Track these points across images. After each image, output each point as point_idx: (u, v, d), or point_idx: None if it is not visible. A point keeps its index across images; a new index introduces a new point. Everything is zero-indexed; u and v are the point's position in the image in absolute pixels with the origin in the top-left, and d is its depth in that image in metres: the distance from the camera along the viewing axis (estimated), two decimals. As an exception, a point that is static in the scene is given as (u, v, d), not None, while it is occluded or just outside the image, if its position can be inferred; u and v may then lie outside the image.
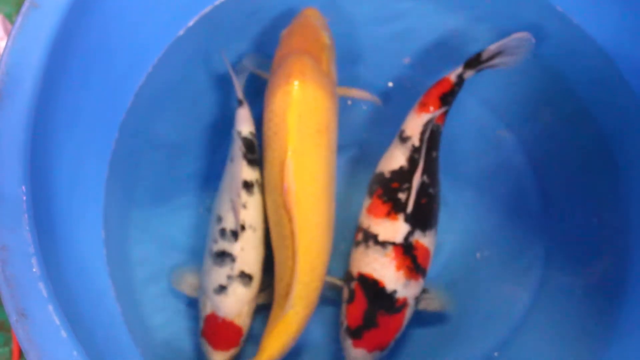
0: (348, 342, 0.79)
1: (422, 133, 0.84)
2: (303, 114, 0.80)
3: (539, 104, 0.96)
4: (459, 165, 0.93)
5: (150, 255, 0.89)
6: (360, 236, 0.83)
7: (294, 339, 0.79)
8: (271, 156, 0.81)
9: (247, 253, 0.82)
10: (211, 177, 0.91)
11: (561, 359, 0.85)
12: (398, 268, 0.79)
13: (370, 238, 0.81)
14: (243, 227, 0.81)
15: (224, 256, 0.81)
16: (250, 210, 0.83)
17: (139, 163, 0.92)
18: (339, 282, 0.84)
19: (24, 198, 0.68)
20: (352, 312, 0.79)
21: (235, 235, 0.81)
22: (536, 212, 0.92)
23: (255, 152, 0.86)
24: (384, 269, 0.79)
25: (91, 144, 0.85)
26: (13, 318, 0.64)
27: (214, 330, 0.81)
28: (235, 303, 0.81)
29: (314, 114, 0.81)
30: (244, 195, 0.82)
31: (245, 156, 0.84)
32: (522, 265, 0.90)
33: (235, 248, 0.81)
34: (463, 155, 0.94)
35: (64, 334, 0.64)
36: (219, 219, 0.83)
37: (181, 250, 0.90)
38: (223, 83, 0.96)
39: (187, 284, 0.86)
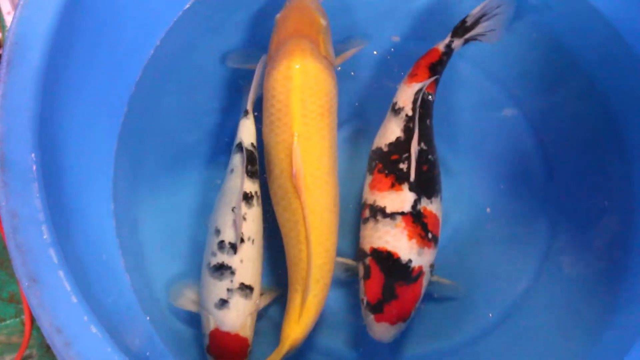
0: (370, 318, 0.79)
1: (414, 102, 0.84)
2: (306, 98, 0.81)
3: (546, 78, 0.96)
4: (465, 138, 0.94)
5: (158, 227, 0.90)
6: (367, 213, 0.83)
7: (314, 322, 0.80)
8: (274, 141, 0.82)
9: (246, 265, 0.81)
10: (219, 149, 0.92)
11: (566, 327, 0.86)
12: (410, 237, 0.79)
13: (378, 212, 0.81)
14: (242, 240, 0.81)
15: (222, 269, 0.80)
16: (249, 222, 0.82)
17: (148, 136, 0.92)
18: (350, 262, 0.85)
19: (34, 167, 0.68)
20: (371, 288, 0.79)
21: (234, 248, 0.81)
22: (541, 184, 0.92)
23: (255, 164, 0.86)
24: (397, 240, 0.79)
25: (100, 116, 0.85)
26: (25, 284, 0.65)
27: (220, 345, 0.80)
28: (238, 316, 0.80)
29: (316, 98, 0.82)
30: (243, 207, 0.82)
31: (245, 169, 0.84)
32: (527, 235, 0.90)
33: (234, 261, 0.81)
34: (469, 128, 0.94)
35: (74, 299, 0.64)
36: (217, 232, 0.82)
37: (188, 222, 0.90)
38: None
39: (186, 299, 0.84)
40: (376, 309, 0.78)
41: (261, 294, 0.84)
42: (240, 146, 0.85)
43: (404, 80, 0.87)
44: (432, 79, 0.85)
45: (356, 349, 0.87)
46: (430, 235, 0.80)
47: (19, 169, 0.68)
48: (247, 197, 0.83)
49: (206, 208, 0.88)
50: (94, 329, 0.63)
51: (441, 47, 0.87)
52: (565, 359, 0.84)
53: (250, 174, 0.84)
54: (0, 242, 0.96)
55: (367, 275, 0.80)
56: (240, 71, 0.94)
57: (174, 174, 0.92)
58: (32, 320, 0.93)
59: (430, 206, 0.81)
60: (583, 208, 0.90)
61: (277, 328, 0.81)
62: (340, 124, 0.89)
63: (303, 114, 0.81)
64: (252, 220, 0.83)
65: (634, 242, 0.87)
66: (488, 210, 0.91)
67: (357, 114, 0.95)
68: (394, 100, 0.86)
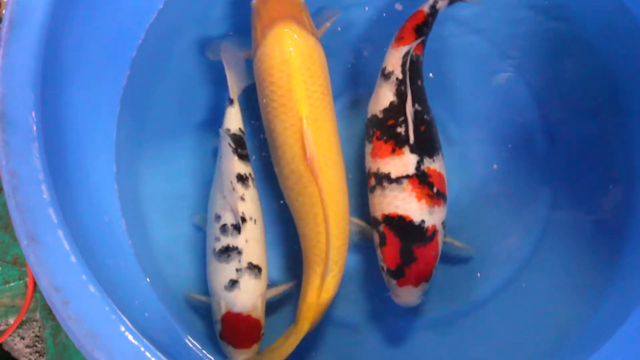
0: (393, 283, 0.79)
1: (403, 65, 0.84)
2: (307, 80, 0.81)
3: (548, 47, 0.95)
4: (467, 107, 0.93)
5: (160, 190, 0.90)
6: (372, 181, 0.83)
7: (330, 302, 0.80)
8: (282, 127, 0.81)
9: (252, 244, 0.81)
10: (222, 113, 0.91)
11: (566, 294, 0.86)
12: (419, 198, 0.79)
13: (383, 179, 0.81)
14: (244, 219, 0.81)
15: (229, 251, 0.80)
16: (249, 203, 0.82)
17: (151, 99, 0.92)
18: (364, 225, 0.85)
19: (34, 127, 0.68)
20: (389, 254, 0.79)
21: (237, 228, 0.80)
22: (543, 152, 0.91)
23: (245, 148, 0.86)
24: (406, 203, 0.79)
25: (102, 78, 0.85)
26: (24, 242, 0.65)
27: (232, 328, 0.80)
28: (249, 296, 0.80)
29: (316, 77, 0.81)
30: (240, 188, 0.82)
31: (235, 151, 0.84)
32: (528, 203, 0.90)
33: (239, 241, 0.80)
34: (471, 97, 0.93)
35: (73, 258, 0.65)
36: (218, 218, 0.82)
37: (190, 185, 0.90)
38: (236, 18, 0.95)
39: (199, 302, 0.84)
40: (397, 274, 0.79)
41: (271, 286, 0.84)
42: (229, 132, 0.85)
43: (391, 45, 0.86)
44: (419, 40, 0.85)
45: (368, 317, 0.88)
46: (438, 193, 0.81)
47: (19, 128, 0.68)
48: (242, 179, 0.83)
49: (208, 172, 0.88)
50: (92, 288, 0.64)
51: (426, 8, 0.87)
52: (566, 325, 0.84)
53: (241, 157, 0.84)
54: (4, 205, 0.96)
55: (383, 242, 0.80)
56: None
57: (177, 138, 0.91)
58: (35, 283, 0.93)
59: (434, 165, 0.81)
60: (584, 176, 0.90)
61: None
62: (336, 96, 0.89)
63: (307, 96, 0.80)
64: (250, 200, 0.83)
65: (635, 211, 0.86)
66: (495, 167, 0.91)
67: (351, 83, 0.95)
68: (383, 65, 0.86)
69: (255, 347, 0.80)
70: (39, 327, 0.98)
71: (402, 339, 0.86)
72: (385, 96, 0.84)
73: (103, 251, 0.75)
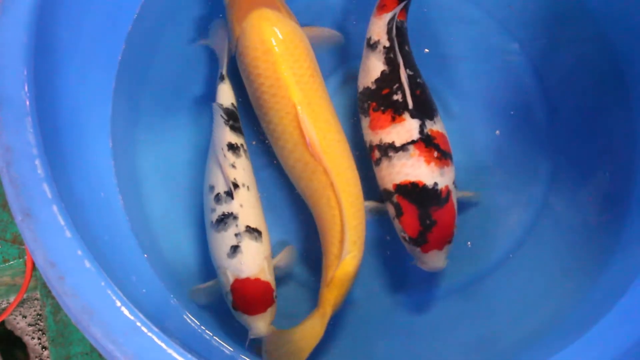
0: (417, 251, 0.79)
1: (389, 32, 0.83)
2: (293, 65, 0.80)
3: (549, 20, 0.94)
4: (467, 81, 0.92)
5: (157, 166, 0.89)
6: (376, 154, 0.82)
7: (352, 283, 0.79)
8: (278, 117, 0.81)
9: (247, 209, 0.80)
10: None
11: (566, 267, 0.86)
12: (428, 162, 0.79)
13: (388, 149, 0.80)
14: (236, 185, 0.80)
15: (225, 218, 0.79)
16: (240, 170, 0.82)
17: (146, 75, 0.91)
18: (376, 204, 0.84)
19: (27, 102, 0.68)
20: (408, 223, 0.79)
21: (230, 194, 0.80)
22: (543, 126, 0.91)
23: (238, 121, 0.85)
24: (416, 169, 0.79)
25: (97, 53, 0.84)
26: (18, 218, 0.65)
27: (243, 295, 0.78)
28: (253, 259, 0.79)
29: (302, 61, 0.81)
30: (231, 157, 0.82)
31: (227, 122, 0.83)
32: (529, 176, 0.90)
33: (234, 206, 0.80)
34: (471, 71, 0.93)
35: (68, 233, 0.64)
36: (211, 188, 0.81)
37: (186, 161, 0.90)
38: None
39: (200, 290, 0.83)
40: (420, 240, 0.78)
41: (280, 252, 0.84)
42: (222, 107, 0.85)
43: (373, 14, 0.86)
44: (402, 5, 0.84)
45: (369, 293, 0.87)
46: (445, 154, 0.80)
47: (13, 103, 0.67)
48: (233, 147, 0.82)
49: (205, 147, 0.87)
50: (87, 264, 0.63)
51: None
52: (565, 298, 0.84)
53: (233, 128, 0.84)
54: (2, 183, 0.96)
55: (400, 212, 0.79)
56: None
57: (173, 113, 0.91)
58: (34, 264, 0.93)
59: (435, 126, 0.81)
60: (584, 150, 0.90)
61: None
62: (328, 75, 0.89)
63: (296, 81, 0.80)
64: (242, 168, 0.82)
65: (635, 184, 0.86)
66: (497, 132, 0.90)
67: (340, 60, 0.94)
68: (367, 35, 0.85)
69: (270, 310, 0.79)
70: (40, 306, 0.98)
71: (404, 313, 0.86)
72: (375, 66, 0.83)
73: (100, 228, 0.75)
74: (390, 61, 0.82)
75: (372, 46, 0.84)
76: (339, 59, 0.94)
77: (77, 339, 0.94)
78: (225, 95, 0.87)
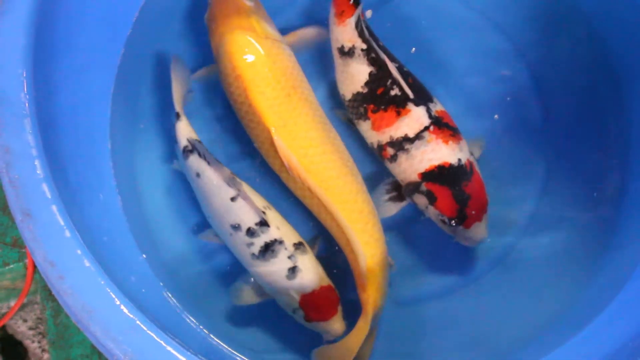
0: (460, 229, 0.80)
1: (361, 34, 0.83)
2: (264, 89, 0.80)
3: (544, 22, 0.94)
4: (462, 82, 0.92)
5: (155, 167, 0.90)
6: (389, 151, 0.82)
7: (385, 280, 0.80)
8: (259, 142, 0.82)
9: (283, 228, 0.80)
10: (217, 91, 0.90)
11: (561, 268, 0.86)
12: (446, 141, 0.80)
13: (403, 142, 0.81)
14: (263, 212, 0.79)
15: (270, 246, 0.78)
16: (252, 196, 0.80)
17: (145, 77, 0.91)
18: (396, 204, 0.84)
19: (27, 103, 0.68)
20: (444, 205, 0.80)
21: (264, 223, 0.79)
22: (538, 127, 0.91)
23: (208, 151, 0.82)
24: (438, 152, 0.80)
25: (97, 55, 0.85)
26: (18, 218, 0.65)
27: (315, 307, 0.79)
28: (312, 271, 0.79)
29: (275, 82, 0.81)
30: (237, 189, 0.79)
31: (207, 159, 0.80)
32: (524, 178, 0.90)
33: (273, 233, 0.79)
34: (466, 72, 0.93)
35: (67, 233, 0.64)
36: (236, 227, 0.79)
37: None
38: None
39: (247, 293, 0.82)
40: (461, 218, 0.80)
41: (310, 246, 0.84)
42: (189, 148, 0.81)
43: (334, 23, 0.85)
44: (360, 6, 0.84)
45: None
46: (455, 130, 0.82)
47: (12, 104, 0.68)
48: (232, 181, 0.80)
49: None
50: (87, 263, 0.63)
51: None
52: (561, 297, 0.84)
53: (215, 163, 0.81)
54: (1, 187, 0.96)
55: (433, 198, 0.80)
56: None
57: (172, 114, 0.91)
58: (34, 267, 0.93)
59: (437, 106, 0.82)
60: (579, 151, 0.90)
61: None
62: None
63: (269, 105, 0.80)
64: (252, 193, 0.81)
65: (628, 184, 0.86)
66: (496, 117, 0.91)
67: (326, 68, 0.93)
68: (337, 45, 0.85)
69: (340, 308, 0.80)
70: (41, 309, 0.98)
71: (400, 313, 0.86)
72: (359, 71, 0.83)
73: (99, 228, 0.76)
74: (375, 61, 0.83)
75: (349, 53, 0.84)
76: (325, 67, 0.93)
77: (77, 342, 0.94)
78: (185, 132, 0.83)
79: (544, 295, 0.85)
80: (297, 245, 0.79)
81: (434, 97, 0.83)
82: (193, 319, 0.82)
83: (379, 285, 0.79)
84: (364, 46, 0.83)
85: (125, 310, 0.62)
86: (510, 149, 0.87)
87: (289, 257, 0.79)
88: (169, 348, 0.61)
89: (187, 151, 0.81)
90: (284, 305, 0.80)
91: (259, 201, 0.81)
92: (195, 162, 0.81)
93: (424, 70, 0.87)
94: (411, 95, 0.81)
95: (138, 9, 0.90)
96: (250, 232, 0.78)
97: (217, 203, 0.80)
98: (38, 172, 0.66)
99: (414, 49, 0.92)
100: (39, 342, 1.03)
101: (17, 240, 0.97)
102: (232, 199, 0.79)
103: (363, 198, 0.82)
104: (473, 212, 0.79)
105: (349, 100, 0.85)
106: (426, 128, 0.80)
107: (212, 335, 0.81)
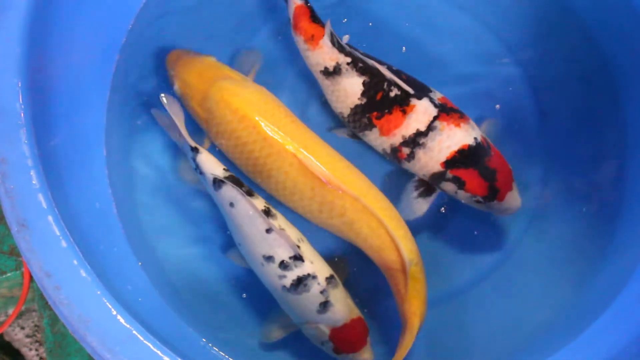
0: (495, 204, 0.81)
1: (341, 50, 0.83)
2: (272, 119, 0.81)
3: (539, 25, 0.94)
4: (458, 86, 0.92)
5: (152, 175, 0.89)
6: (405, 151, 0.82)
7: (426, 288, 0.80)
8: (283, 174, 0.81)
9: (316, 263, 0.79)
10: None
11: (560, 269, 0.86)
12: (457, 124, 0.81)
13: (417, 137, 0.81)
14: (298, 246, 0.78)
15: (303, 280, 0.77)
16: (287, 228, 0.80)
17: (140, 85, 0.91)
18: (426, 199, 0.85)
19: (22, 113, 0.68)
20: (474, 186, 0.80)
21: (298, 258, 0.78)
22: (534, 130, 0.91)
23: (244, 183, 0.81)
24: (453, 137, 0.80)
25: (92, 63, 0.85)
26: (14, 229, 0.65)
27: (346, 340, 0.79)
28: (343, 305, 0.79)
29: (276, 111, 0.82)
30: (274, 222, 0.78)
31: (241, 190, 0.78)
32: (521, 181, 0.88)
33: (307, 267, 0.78)
34: (462, 75, 0.92)
35: (64, 243, 0.64)
36: (269, 259, 0.78)
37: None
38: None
39: (278, 330, 0.82)
40: (493, 193, 0.80)
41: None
42: (220, 178, 0.79)
43: (307, 50, 0.85)
44: (328, 22, 0.83)
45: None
46: (460, 111, 0.82)
47: (7, 114, 0.68)
48: (267, 213, 0.79)
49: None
50: (83, 273, 0.64)
51: (297, 0, 0.85)
52: (558, 303, 0.84)
53: (249, 193, 0.79)
54: None
55: (460, 183, 0.81)
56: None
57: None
58: (31, 276, 0.93)
59: (437, 94, 0.83)
60: (576, 154, 0.90)
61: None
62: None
63: (285, 132, 0.80)
64: (287, 226, 0.80)
65: (626, 188, 0.86)
66: (497, 107, 0.91)
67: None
68: (319, 69, 0.84)
69: (368, 339, 0.80)
70: (38, 317, 0.98)
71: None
72: (352, 84, 0.83)
73: (95, 237, 0.76)
74: (364, 70, 0.82)
75: (335, 72, 0.84)
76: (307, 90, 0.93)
77: (74, 350, 0.94)
78: (212, 164, 0.81)
79: (542, 300, 0.85)
80: (329, 279, 0.79)
81: (430, 87, 0.84)
82: (191, 328, 0.82)
83: (423, 295, 0.79)
84: (348, 59, 0.83)
85: (122, 321, 0.62)
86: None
87: (321, 292, 0.78)
88: (166, 358, 0.61)
89: (217, 182, 0.79)
90: (312, 337, 0.80)
91: (294, 233, 0.80)
92: (228, 192, 0.79)
93: (419, 74, 0.86)
94: (411, 90, 0.81)
95: (133, 17, 0.90)
96: (283, 265, 0.77)
97: (251, 233, 0.78)
98: (34, 182, 0.66)
99: (404, 48, 0.92)
100: (36, 350, 1.03)
101: (15, 249, 0.97)
102: (267, 231, 0.77)
103: (393, 206, 0.83)
104: (503, 184, 0.80)
105: (349, 116, 0.85)
106: (435, 117, 0.80)
107: (210, 344, 0.81)
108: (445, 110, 0.81)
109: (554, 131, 0.91)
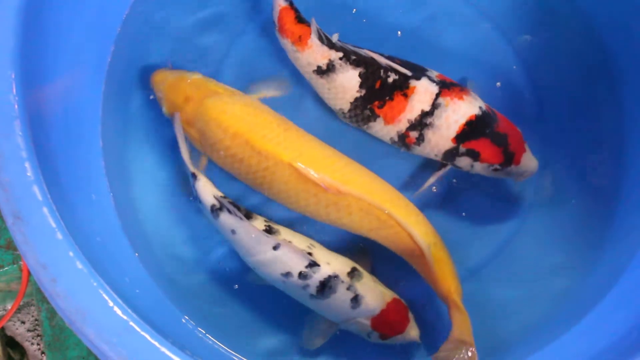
0: (512, 168, 0.81)
1: (331, 46, 0.82)
2: (264, 132, 0.80)
3: (537, 14, 0.94)
4: (455, 76, 0.90)
5: (148, 166, 0.89)
6: (413, 134, 0.82)
7: (452, 265, 0.81)
8: (282, 185, 0.80)
9: (333, 262, 0.79)
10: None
11: (557, 260, 0.86)
12: (460, 97, 0.80)
13: (423, 118, 0.81)
14: (310, 253, 0.78)
15: (327, 283, 0.77)
16: (293, 238, 0.80)
17: (136, 75, 0.91)
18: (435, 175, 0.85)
19: (16, 105, 0.67)
20: (489, 155, 0.80)
21: (314, 264, 0.77)
22: (532, 120, 0.91)
23: (241, 206, 0.82)
24: (459, 111, 0.80)
25: (86, 54, 0.84)
26: (9, 221, 0.64)
27: (388, 324, 0.79)
28: (374, 294, 0.79)
29: (267, 123, 0.81)
30: (278, 237, 0.79)
31: (239, 214, 0.78)
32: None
33: (325, 269, 0.78)
34: (459, 65, 0.92)
35: (59, 235, 0.64)
36: (288, 275, 0.78)
37: (177, 162, 0.89)
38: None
39: (320, 338, 0.82)
40: (509, 158, 0.80)
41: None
42: (217, 207, 0.79)
43: (296, 51, 0.84)
44: (313, 20, 0.83)
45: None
46: (459, 84, 0.82)
47: (1, 106, 0.67)
48: (270, 231, 0.79)
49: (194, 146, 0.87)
50: (79, 265, 0.63)
51: (281, 2, 0.84)
52: (556, 290, 0.84)
53: (247, 216, 0.80)
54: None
55: (475, 154, 0.81)
56: None
57: (162, 113, 0.90)
58: (29, 270, 0.93)
59: (433, 72, 0.83)
60: (574, 143, 0.90)
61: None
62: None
63: (277, 143, 0.79)
64: (292, 236, 0.81)
65: (624, 177, 0.86)
66: (498, 84, 0.91)
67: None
68: (312, 69, 0.84)
69: (410, 315, 0.81)
70: (37, 311, 0.98)
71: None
72: (349, 78, 0.82)
73: (92, 229, 0.75)
74: (359, 61, 0.82)
75: (329, 69, 0.83)
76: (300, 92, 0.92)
77: (73, 343, 0.93)
78: (210, 191, 0.81)
79: (540, 289, 0.85)
80: (352, 274, 0.79)
81: (424, 66, 0.83)
82: (188, 319, 0.81)
83: (452, 272, 0.80)
84: (340, 54, 0.82)
85: (119, 312, 0.61)
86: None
87: (348, 289, 0.78)
88: (163, 349, 0.60)
89: (215, 210, 0.79)
90: (357, 332, 0.80)
91: (302, 242, 0.80)
92: (227, 220, 0.79)
93: (418, 62, 0.86)
94: (409, 72, 0.80)
95: (128, 7, 0.90)
96: (302, 276, 0.77)
97: (260, 256, 0.78)
98: (28, 174, 0.65)
99: (399, 32, 0.91)
100: (37, 344, 1.03)
101: (11, 243, 0.97)
102: (275, 248, 0.77)
103: (399, 194, 0.82)
104: (516, 147, 0.80)
105: (350, 111, 0.84)
106: (437, 95, 0.80)
107: (208, 335, 0.81)
108: (445, 86, 0.81)
109: (553, 121, 0.90)
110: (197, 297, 0.85)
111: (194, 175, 0.81)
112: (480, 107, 0.80)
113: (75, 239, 0.65)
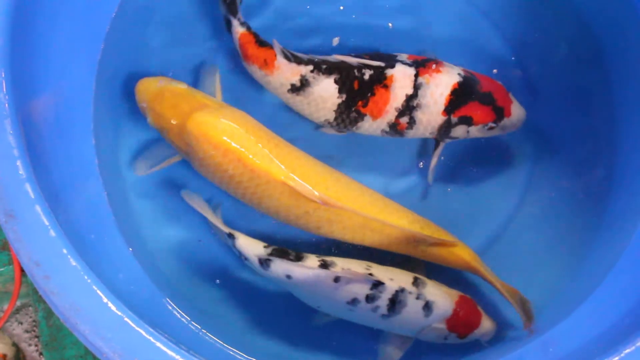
0: (505, 121, 0.82)
1: (300, 61, 0.82)
2: (255, 149, 0.78)
3: (527, 3, 0.94)
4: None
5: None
6: (403, 120, 0.82)
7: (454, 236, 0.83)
8: (276, 201, 0.79)
9: (395, 275, 0.79)
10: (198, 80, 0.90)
11: (552, 246, 0.87)
12: (438, 70, 0.81)
13: (409, 102, 0.81)
14: (370, 274, 0.77)
15: (396, 299, 0.77)
16: (350, 265, 0.79)
17: (126, 72, 0.91)
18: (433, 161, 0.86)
19: (6, 104, 0.67)
20: (482, 116, 0.82)
21: (377, 284, 0.77)
22: (524, 107, 0.89)
23: (290, 252, 0.80)
24: (441, 83, 0.81)
25: (76, 52, 0.84)
26: (2, 220, 0.64)
27: (462, 323, 0.79)
28: (441, 296, 0.79)
29: (258, 138, 0.79)
30: (335, 270, 0.77)
31: (295, 259, 0.78)
32: (511, 159, 0.90)
33: (390, 286, 0.77)
34: (450, 57, 0.90)
35: (52, 233, 0.64)
36: (355, 302, 0.77)
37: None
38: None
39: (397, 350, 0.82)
40: (500, 112, 0.82)
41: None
42: (264, 258, 0.78)
43: (265, 75, 0.84)
44: (274, 41, 0.82)
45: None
46: (432, 58, 0.84)
47: (-10, 105, 0.67)
48: (325, 265, 0.78)
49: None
50: (73, 262, 0.63)
51: (240, 29, 0.84)
52: (553, 276, 0.85)
53: (298, 258, 0.79)
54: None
55: (468, 120, 0.82)
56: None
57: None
58: (22, 270, 0.93)
59: (403, 56, 0.84)
60: (566, 132, 0.90)
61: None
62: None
63: (269, 160, 0.78)
64: (348, 263, 0.79)
65: (616, 164, 0.86)
66: (495, 71, 0.91)
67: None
68: (286, 89, 0.83)
69: (480, 309, 0.81)
70: (34, 311, 0.98)
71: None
72: (325, 88, 0.82)
73: (85, 226, 0.76)
74: (331, 69, 0.82)
75: (303, 84, 0.82)
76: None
77: (70, 343, 0.93)
78: (252, 245, 0.80)
79: (537, 276, 0.85)
80: (416, 283, 0.79)
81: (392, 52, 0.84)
82: (183, 314, 0.82)
83: (461, 245, 0.82)
84: (310, 67, 0.82)
85: (113, 308, 0.61)
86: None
87: (417, 298, 0.78)
88: (158, 344, 0.60)
89: (264, 262, 0.78)
90: (433, 339, 0.80)
91: (359, 266, 0.79)
92: (279, 267, 0.78)
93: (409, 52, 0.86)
94: (382, 64, 0.81)
95: (116, 5, 0.89)
96: (370, 299, 0.77)
97: (323, 292, 0.77)
98: (20, 172, 0.65)
99: (390, 24, 0.91)
100: (35, 345, 1.03)
101: (7, 243, 0.97)
102: (336, 280, 0.76)
103: (391, 202, 0.83)
104: (502, 101, 0.82)
105: (335, 119, 0.84)
106: (416, 75, 0.81)
107: (203, 330, 0.81)
108: (420, 64, 0.81)
109: (545, 110, 0.91)
110: (192, 292, 0.85)
111: (231, 236, 0.80)
112: (459, 74, 0.82)
113: (69, 236, 0.65)
